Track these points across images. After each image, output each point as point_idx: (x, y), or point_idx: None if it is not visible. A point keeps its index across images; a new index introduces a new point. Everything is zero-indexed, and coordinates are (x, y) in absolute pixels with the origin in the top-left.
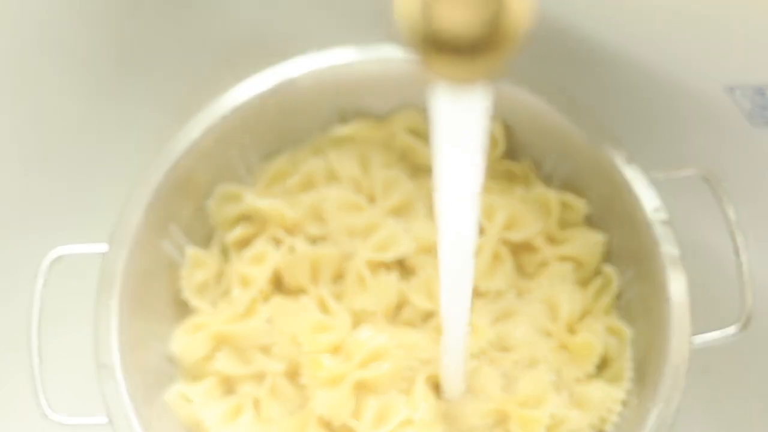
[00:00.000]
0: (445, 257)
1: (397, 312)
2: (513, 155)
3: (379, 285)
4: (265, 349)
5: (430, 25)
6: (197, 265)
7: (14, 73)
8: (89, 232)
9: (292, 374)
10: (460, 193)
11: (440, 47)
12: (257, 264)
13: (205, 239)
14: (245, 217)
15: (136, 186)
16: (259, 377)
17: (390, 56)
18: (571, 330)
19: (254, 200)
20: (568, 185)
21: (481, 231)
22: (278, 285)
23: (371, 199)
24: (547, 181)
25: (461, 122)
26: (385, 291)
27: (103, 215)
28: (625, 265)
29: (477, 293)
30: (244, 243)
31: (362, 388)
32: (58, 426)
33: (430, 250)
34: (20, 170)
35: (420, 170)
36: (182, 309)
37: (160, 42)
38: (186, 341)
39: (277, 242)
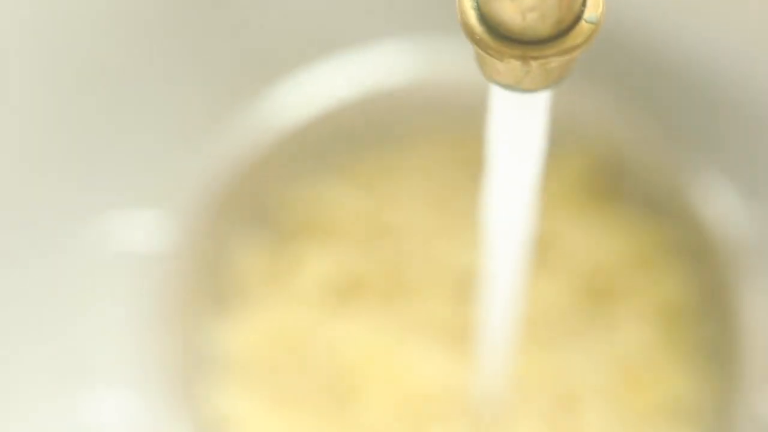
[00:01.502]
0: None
1: None
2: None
3: None
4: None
5: (496, 16)
6: (257, 250)
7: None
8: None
9: None
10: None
11: (507, 41)
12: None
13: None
14: (315, 207)
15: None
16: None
17: None
18: (645, 366)
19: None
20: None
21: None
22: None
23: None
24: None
25: (521, 128)
26: None
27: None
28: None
29: (547, 320)
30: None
31: None
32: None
33: None
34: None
35: None
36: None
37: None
38: (241, 334)
39: None
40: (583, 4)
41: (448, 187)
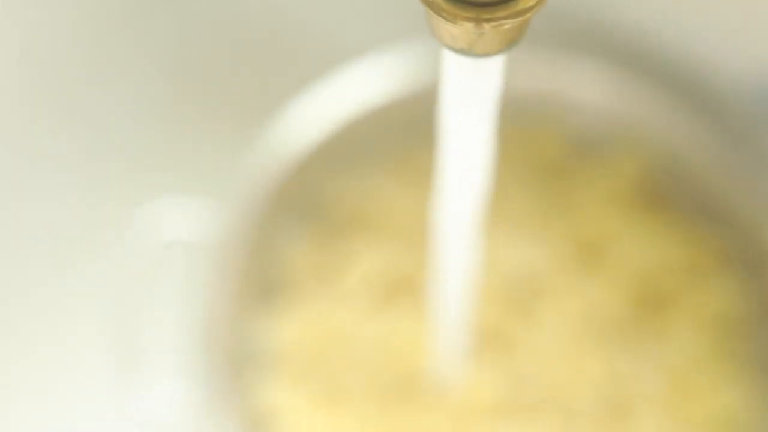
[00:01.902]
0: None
1: None
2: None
3: None
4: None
5: None
6: (306, 244)
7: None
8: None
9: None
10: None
11: (460, 3)
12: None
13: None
14: (365, 202)
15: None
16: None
17: None
18: (697, 374)
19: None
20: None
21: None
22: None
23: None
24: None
25: (474, 94)
26: None
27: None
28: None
29: (602, 324)
30: (363, 225)
31: None
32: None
33: None
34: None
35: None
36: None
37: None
38: (290, 328)
39: None
40: None
41: (498, 186)
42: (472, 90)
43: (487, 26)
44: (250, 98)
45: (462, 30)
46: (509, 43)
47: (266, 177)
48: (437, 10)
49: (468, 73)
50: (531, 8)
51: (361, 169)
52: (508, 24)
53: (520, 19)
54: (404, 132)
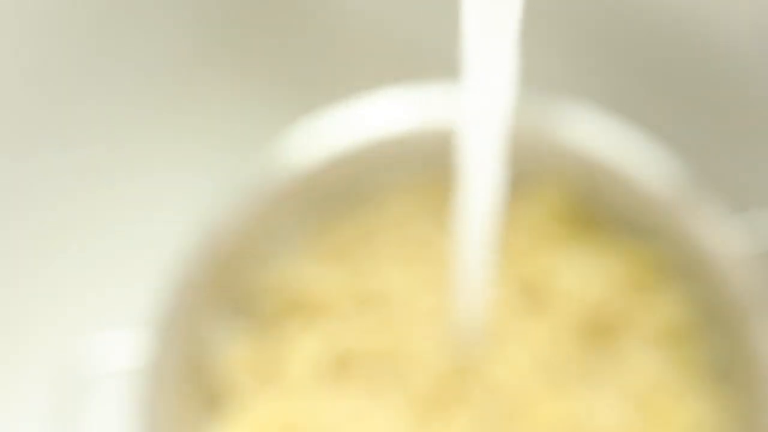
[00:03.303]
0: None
1: None
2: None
3: None
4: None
5: None
6: (243, 345)
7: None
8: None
9: None
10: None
11: None
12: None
13: (246, 318)
14: (291, 294)
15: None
16: None
17: None
18: (662, 395)
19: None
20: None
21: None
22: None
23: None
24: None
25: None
26: None
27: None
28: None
29: (551, 366)
30: (299, 320)
31: None
32: None
33: None
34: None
35: None
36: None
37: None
38: None
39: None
40: None
41: (423, 242)
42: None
43: None
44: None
45: None
46: None
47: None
48: None
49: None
50: None
51: (287, 253)
52: None
53: None
54: (324, 205)
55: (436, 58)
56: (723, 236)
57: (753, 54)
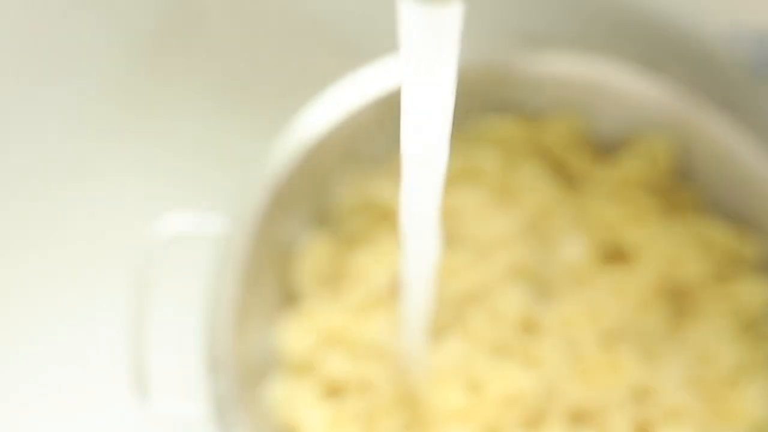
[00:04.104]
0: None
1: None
2: (679, 178)
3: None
4: (380, 357)
5: None
6: (316, 254)
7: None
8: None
9: (405, 397)
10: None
11: None
12: (378, 264)
13: (327, 227)
14: (371, 209)
15: (259, 167)
16: (368, 388)
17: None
18: (727, 386)
19: (384, 192)
20: (741, 221)
21: (634, 266)
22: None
23: (510, 206)
24: (716, 214)
25: (430, 44)
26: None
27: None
28: None
29: (622, 333)
30: (370, 237)
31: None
32: (150, 414)
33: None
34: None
35: (572, 183)
36: (292, 301)
37: None
38: (295, 334)
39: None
40: None
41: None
42: (427, 51)
43: None
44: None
45: None
46: None
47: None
48: None
49: (423, 28)
50: None
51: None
52: None
53: None
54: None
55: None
56: None
57: None
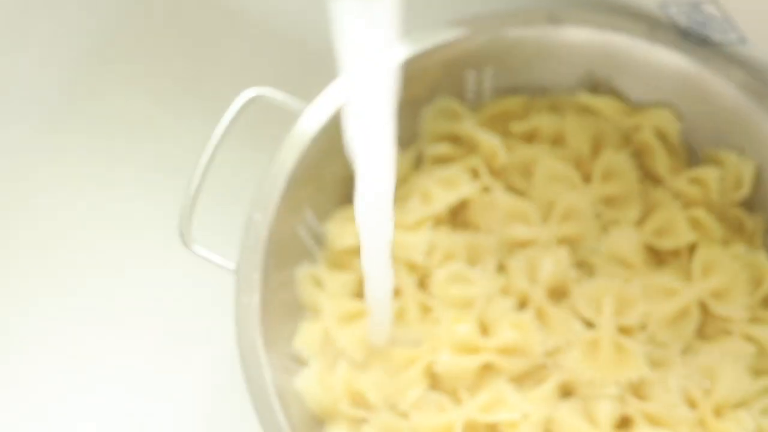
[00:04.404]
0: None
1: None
2: (750, 206)
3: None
4: (412, 268)
5: None
6: None
7: None
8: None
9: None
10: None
11: None
12: (446, 186)
13: (404, 142)
14: (454, 138)
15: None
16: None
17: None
18: (718, 414)
19: (473, 127)
20: None
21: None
22: (456, 219)
23: (586, 180)
24: None
25: (365, 37)
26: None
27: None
28: None
29: (643, 331)
30: (441, 161)
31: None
32: (190, 255)
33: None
34: None
35: (650, 178)
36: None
37: None
38: (341, 225)
39: (475, 176)
40: None
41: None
42: (363, 45)
43: None
44: None
45: None
46: None
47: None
48: None
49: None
50: None
51: None
52: None
53: None
54: None
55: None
56: None
57: None
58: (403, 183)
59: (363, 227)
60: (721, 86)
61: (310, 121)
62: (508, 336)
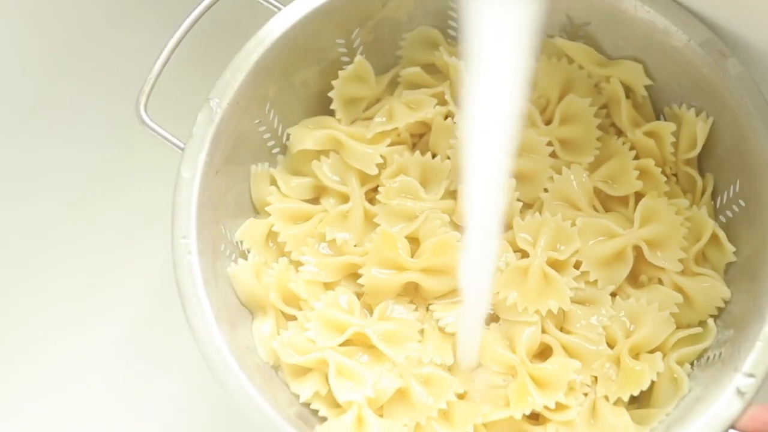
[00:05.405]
0: (473, 218)
1: None
2: (703, 165)
3: None
4: (364, 178)
5: None
6: (359, 79)
7: None
8: None
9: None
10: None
11: None
12: (411, 107)
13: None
14: (430, 67)
15: None
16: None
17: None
18: (634, 355)
19: (448, 57)
20: (735, 225)
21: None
22: (418, 144)
23: (549, 124)
24: (717, 210)
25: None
26: None
27: None
28: (729, 326)
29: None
30: (414, 86)
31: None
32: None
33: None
34: None
35: (615, 129)
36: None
37: None
38: (303, 130)
39: (442, 103)
40: None
41: None
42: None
43: None
44: None
45: None
46: None
47: None
48: None
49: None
50: None
51: None
52: None
53: None
54: None
55: None
56: None
57: None
58: (375, 103)
59: (467, 289)
60: (685, 44)
61: (281, 20)
62: (434, 258)
